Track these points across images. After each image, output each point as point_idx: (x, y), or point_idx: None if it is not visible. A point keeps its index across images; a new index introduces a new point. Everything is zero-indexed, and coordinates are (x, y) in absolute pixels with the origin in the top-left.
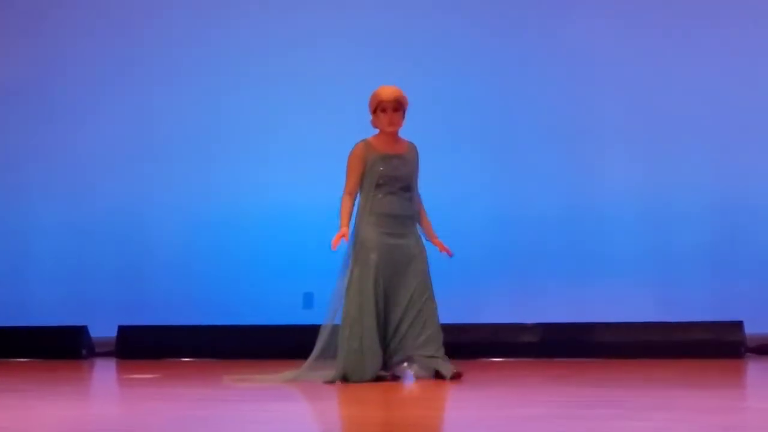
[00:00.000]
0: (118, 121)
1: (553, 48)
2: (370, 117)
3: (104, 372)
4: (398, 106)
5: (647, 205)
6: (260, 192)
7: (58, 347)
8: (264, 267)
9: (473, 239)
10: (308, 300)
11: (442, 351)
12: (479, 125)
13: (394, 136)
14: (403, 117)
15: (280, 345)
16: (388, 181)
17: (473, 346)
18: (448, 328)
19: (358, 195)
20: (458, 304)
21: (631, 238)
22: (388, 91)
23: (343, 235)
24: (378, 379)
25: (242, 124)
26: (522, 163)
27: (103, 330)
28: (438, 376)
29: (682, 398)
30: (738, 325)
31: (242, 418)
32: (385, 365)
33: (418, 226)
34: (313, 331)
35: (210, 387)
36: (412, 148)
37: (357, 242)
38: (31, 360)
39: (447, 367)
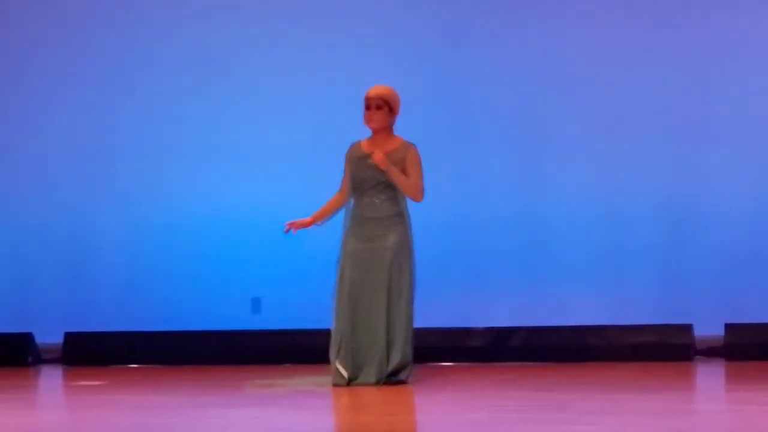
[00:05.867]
0: (63, 126)
1: (505, 51)
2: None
3: (51, 379)
4: (381, 104)
5: (596, 208)
6: (207, 197)
7: (3, 354)
8: (211, 272)
9: (422, 242)
10: (256, 305)
11: (394, 356)
12: (429, 127)
13: (383, 135)
14: (389, 115)
15: (229, 350)
16: (359, 182)
17: (420, 351)
18: None
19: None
20: None
21: (580, 241)
22: (373, 89)
23: (302, 224)
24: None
25: (188, 127)
26: (470, 165)
27: (50, 337)
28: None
29: (630, 402)
30: (687, 328)
31: (192, 426)
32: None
33: (404, 224)
34: (261, 336)
35: (159, 394)
36: (403, 147)
37: (340, 249)
38: None
39: (372, 373)
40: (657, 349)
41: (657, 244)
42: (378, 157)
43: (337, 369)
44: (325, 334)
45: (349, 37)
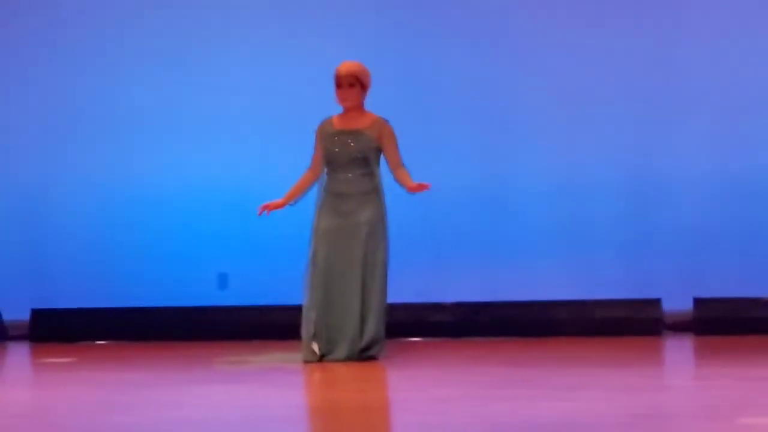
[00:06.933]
0: (25, 99)
1: (467, 25)
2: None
3: (18, 356)
4: (354, 81)
5: (564, 182)
6: (173, 170)
7: None
8: (177, 247)
9: (390, 217)
10: (223, 280)
11: (366, 332)
12: (392, 102)
13: (356, 112)
14: (361, 92)
15: (195, 326)
16: (334, 158)
17: (389, 326)
18: None
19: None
20: None
21: (548, 216)
22: (344, 67)
23: (276, 206)
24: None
25: (153, 99)
26: (433, 139)
27: (16, 313)
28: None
29: (602, 377)
30: (656, 303)
31: (163, 403)
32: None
33: (379, 200)
34: (229, 312)
35: (128, 371)
36: (378, 123)
37: (313, 225)
38: None
39: (345, 349)
40: (626, 323)
41: (625, 218)
42: (416, 187)
43: (309, 345)
44: (293, 310)
45: (314, 12)
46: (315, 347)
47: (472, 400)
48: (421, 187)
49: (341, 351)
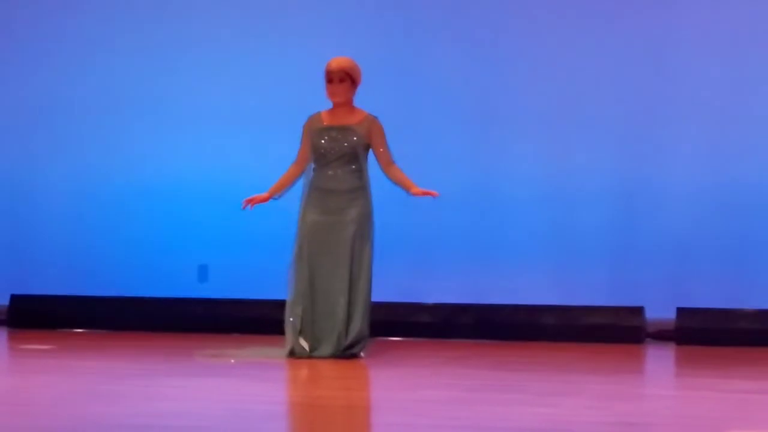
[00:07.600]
0: (7, 86)
1: (460, 30)
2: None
3: None
4: (344, 77)
5: (549, 188)
6: (154, 160)
7: None
8: (158, 238)
9: (374, 217)
10: (203, 272)
11: (352, 329)
12: (380, 101)
13: (345, 108)
14: (351, 88)
15: (175, 318)
16: (322, 154)
17: (370, 325)
18: None
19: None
20: None
21: (532, 221)
22: (334, 62)
23: (260, 200)
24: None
25: (138, 90)
26: (422, 140)
27: None
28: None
29: (584, 384)
30: (639, 311)
31: (144, 395)
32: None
33: (367, 197)
34: (207, 303)
35: (107, 360)
36: (367, 120)
37: (298, 220)
38: None
39: (330, 346)
40: (608, 330)
41: (609, 225)
42: (422, 193)
43: (296, 341)
44: (274, 304)
45: (305, 8)
46: (304, 343)
47: (455, 403)
48: (427, 194)
49: (326, 348)
